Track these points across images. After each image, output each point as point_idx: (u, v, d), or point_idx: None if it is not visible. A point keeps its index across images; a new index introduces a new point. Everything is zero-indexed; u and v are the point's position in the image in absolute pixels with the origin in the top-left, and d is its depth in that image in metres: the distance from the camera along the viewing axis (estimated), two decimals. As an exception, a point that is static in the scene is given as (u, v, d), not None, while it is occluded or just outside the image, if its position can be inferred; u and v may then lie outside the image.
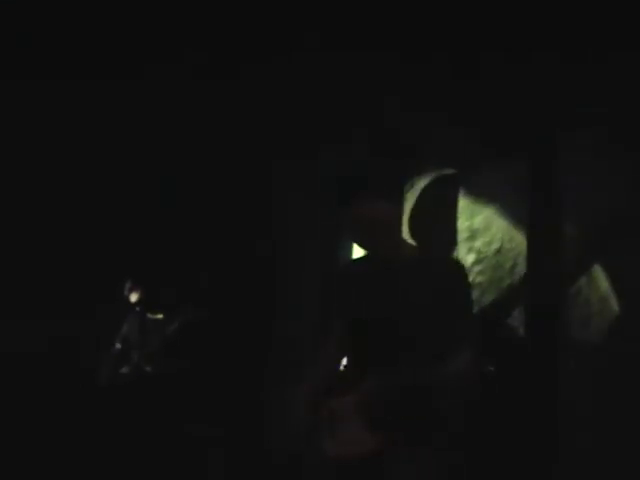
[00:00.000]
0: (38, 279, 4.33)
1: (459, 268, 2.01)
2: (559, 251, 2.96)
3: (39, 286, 4.32)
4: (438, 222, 3.47)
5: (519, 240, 3.15)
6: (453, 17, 2.83)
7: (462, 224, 3.38)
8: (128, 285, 4.38)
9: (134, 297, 4.36)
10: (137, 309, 4.33)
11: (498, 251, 3.24)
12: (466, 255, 3.33)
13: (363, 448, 1.80)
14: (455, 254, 3.33)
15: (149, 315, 4.28)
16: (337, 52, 3.16)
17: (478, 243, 3.31)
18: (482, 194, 3.36)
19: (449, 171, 3.50)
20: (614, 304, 2.81)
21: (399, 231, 2.09)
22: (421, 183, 3.59)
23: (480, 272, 3.27)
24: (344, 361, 2.13)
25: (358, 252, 3.63)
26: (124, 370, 4.24)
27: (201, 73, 3.43)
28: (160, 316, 4.30)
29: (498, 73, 3.00)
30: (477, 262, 3.30)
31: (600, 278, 2.87)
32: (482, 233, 3.32)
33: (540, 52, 2.82)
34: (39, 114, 3.76)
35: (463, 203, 3.41)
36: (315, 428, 1.91)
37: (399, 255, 1.97)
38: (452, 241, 3.37)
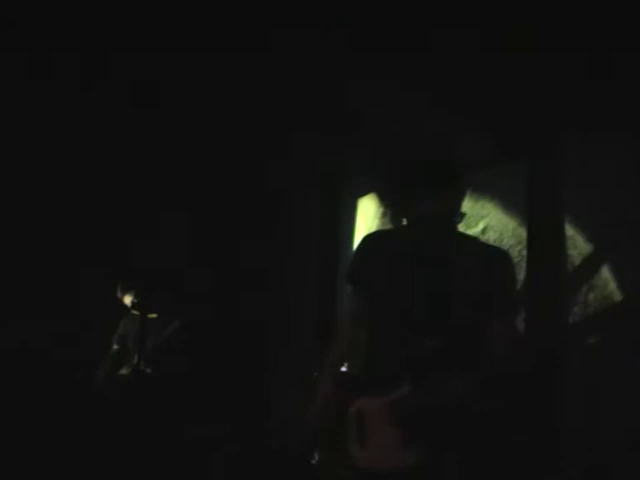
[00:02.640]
0: (35, 279, 4.32)
1: (508, 258, 1.90)
2: (560, 251, 2.96)
3: (36, 286, 4.32)
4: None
5: (520, 239, 3.15)
6: (454, 17, 2.82)
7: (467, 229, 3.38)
8: (121, 287, 4.38)
9: (127, 299, 4.36)
10: (132, 310, 4.33)
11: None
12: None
13: (399, 463, 1.62)
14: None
15: (146, 316, 4.28)
16: (337, 52, 3.16)
17: (485, 237, 3.31)
18: (483, 194, 3.36)
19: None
20: (618, 304, 2.81)
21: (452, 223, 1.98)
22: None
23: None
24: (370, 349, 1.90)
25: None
26: (123, 371, 4.24)
27: (200, 72, 3.43)
28: (155, 315, 4.28)
29: (498, 73, 3.00)
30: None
31: (607, 278, 2.86)
32: (487, 232, 3.32)
33: (541, 52, 2.82)
34: (37, 113, 3.75)
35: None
36: (340, 428, 1.73)
37: (449, 244, 1.84)
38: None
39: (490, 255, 1.87)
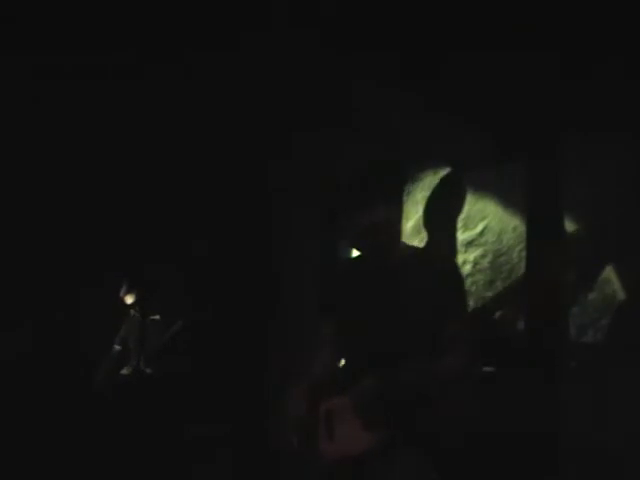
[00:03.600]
0: (35, 279, 4.32)
1: (455, 268, 2.06)
2: (560, 252, 2.95)
3: (36, 286, 4.32)
4: (443, 223, 3.46)
5: (520, 239, 3.15)
6: (454, 17, 2.83)
7: (466, 230, 3.38)
8: (124, 287, 4.38)
9: (130, 299, 4.36)
10: (134, 311, 4.34)
11: (499, 250, 3.24)
12: (466, 253, 3.33)
13: (358, 447, 1.80)
14: (456, 252, 3.33)
15: (147, 316, 4.29)
16: (335, 52, 3.16)
17: (481, 241, 3.31)
18: (482, 195, 3.36)
19: (451, 172, 3.50)
20: (618, 304, 2.81)
21: (399, 233, 2.10)
22: (420, 184, 3.59)
23: (480, 270, 3.27)
24: (340, 361, 2.14)
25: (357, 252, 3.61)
26: (124, 371, 4.24)
27: (199, 73, 3.43)
28: (157, 317, 4.30)
29: (498, 73, 3.00)
30: (477, 261, 3.30)
31: (610, 278, 2.86)
32: (485, 234, 3.32)
33: (541, 52, 2.82)
34: (35, 113, 3.76)
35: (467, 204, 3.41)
36: (313, 428, 1.90)
37: (397, 256, 1.99)
38: (453, 239, 3.37)
39: (428, 259, 2.06)
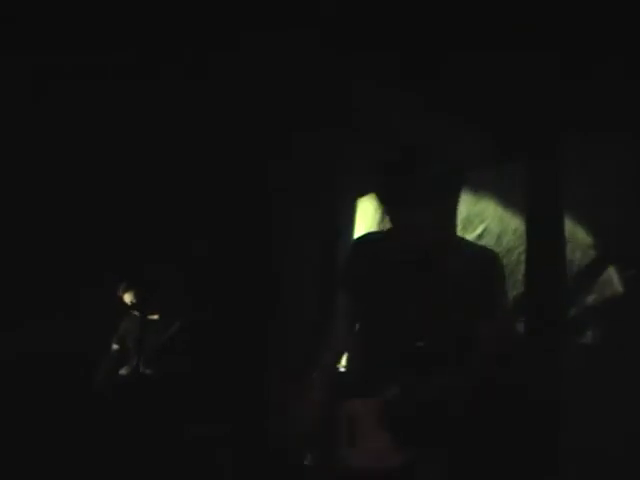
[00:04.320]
0: (35, 279, 4.32)
1: (495, 258, 1.87)
2: (559, 252, 2.95)
3: (36, 286, 4.32)
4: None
5: (520, 241, 3.15)
6: (454, 17, 2.82)
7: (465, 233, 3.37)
8: (123, 286, 4.38)
9: (128, 298, 4.36)
10: (133, 310, 4.34)
11: (499, 251, 3.23)
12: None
13: (390, 463, 1.64)
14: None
15: (148, 317, 4.28)
16: (335, 52, 3.16)
17: (482, 242, 3.30)
18: (482, 195, 3.35)
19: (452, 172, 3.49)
20: (618, 304, 2.81)
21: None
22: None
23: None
24: (359, 352, 1.92)
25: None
26: (123, 371, 4.24)
27: (199, 73, 3.43)
28: (156, 317, 4.30)
29: (498, 73, 2.99)
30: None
31: (607, 278, 2.86)
32: (484, 236, 3.32)
33: (541, 52, 2.81)
34: (35, 113, 3.76)
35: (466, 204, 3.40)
36: (330, 431, 1.75)
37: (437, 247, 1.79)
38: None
39: (477, 256, 1.85)
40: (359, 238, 2.04)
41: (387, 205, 1.77)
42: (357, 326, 1.92)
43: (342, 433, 1.72)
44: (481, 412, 1.81)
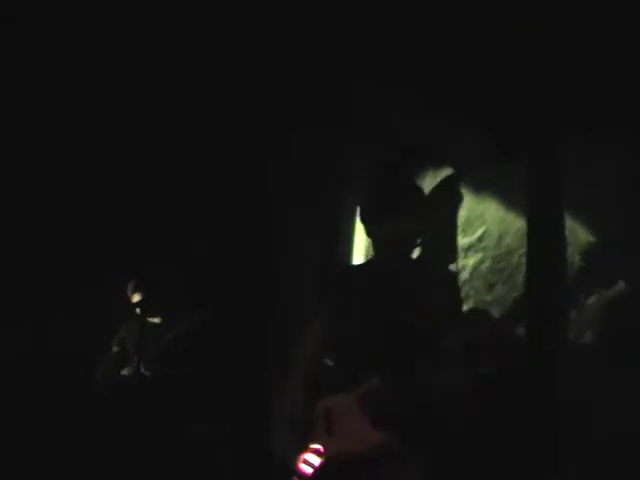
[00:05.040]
0: (35, 279, 4.32)
1: (452, 276, 2.09)
2: (560, 252, 2.95)
3: (36, 286, 4.32)
4: (441, 226, 3.46)
5: (520, 243, 3.15)
6: (453, 17, 2.82)
7: (465, 236, 3.37)
8: (131, 285, 4.38)
9: (136, 297, 4.36)
10: (137, 310, 4.33)
11: (498, 255, 3.24)
12: (465, 259, 3.32)
13: (365, 444, 1.73)
14: (456, 258, 3.32)
15: (148, 318, 4.28)
16: (335, 52, 3.16)
17: (480, 246, 3.30)
18: (482, 195, 3.35)
19: (452, 173, 3.50)
20: (619, 305, 2.80)
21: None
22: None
23: (479, 276, 3.27)
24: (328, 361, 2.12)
25: (358, 252, 3.62)
26: (124, 372, 4.24)
27: (199, 73, 3.43)
28: (157, 320, 4.30)
29: (498, 72, 3.00)
30: (476, 267, 3.29)
31: (607, 279, 2.86)
32: (484, 239, 3.32)
33: (541, 52, 2.81)
34: (35, 113, 3.76)
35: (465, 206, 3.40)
36: (310, 426, 1.88)
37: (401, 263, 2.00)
38: (454, 245, 3.36)
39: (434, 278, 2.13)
40: (341, 270, 2.29)
41: (372, 217, 2.01)
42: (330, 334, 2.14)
43: (319, 424, 1.84)
44: (480, 412, 1.88)
